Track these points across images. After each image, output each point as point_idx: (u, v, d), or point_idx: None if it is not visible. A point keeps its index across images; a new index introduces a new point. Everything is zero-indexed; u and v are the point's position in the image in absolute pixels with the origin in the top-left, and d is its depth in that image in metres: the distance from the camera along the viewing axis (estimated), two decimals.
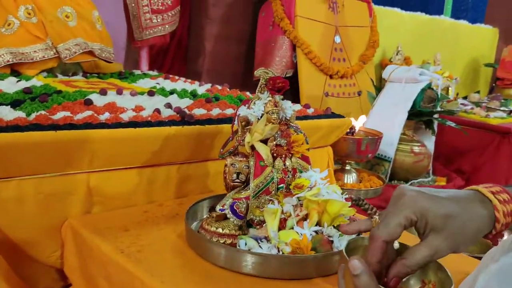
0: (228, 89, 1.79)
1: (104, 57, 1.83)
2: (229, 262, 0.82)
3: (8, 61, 1.58)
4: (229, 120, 1.23)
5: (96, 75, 1.89)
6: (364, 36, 2.88)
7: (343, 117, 1.65)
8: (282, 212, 0.88)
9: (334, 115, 1.63)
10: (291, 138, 0.96)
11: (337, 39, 2.68)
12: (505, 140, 2.58)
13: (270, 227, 0.86)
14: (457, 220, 0.56)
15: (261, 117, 0.94)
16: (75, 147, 0.98)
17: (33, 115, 1.02)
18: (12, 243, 0.94)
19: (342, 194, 0.91)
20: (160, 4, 2.22)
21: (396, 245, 0.64)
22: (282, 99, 0.97)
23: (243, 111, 0.95)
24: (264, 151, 0.92)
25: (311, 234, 0.85)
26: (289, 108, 0.98)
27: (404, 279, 0.60)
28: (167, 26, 2.27)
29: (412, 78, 2.11)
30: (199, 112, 1.28)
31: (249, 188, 0.91)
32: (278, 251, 0.83)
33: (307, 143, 0.98)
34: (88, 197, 1.04)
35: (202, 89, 1.74)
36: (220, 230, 0.89)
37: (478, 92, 3.74)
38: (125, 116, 1.12)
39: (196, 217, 1.02)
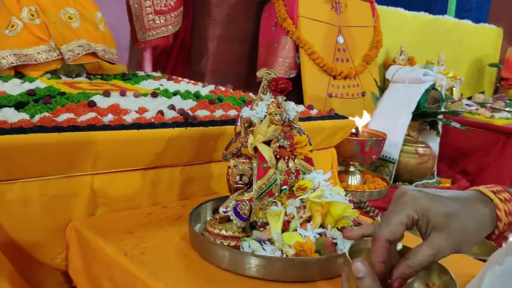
0: (232, 90, 1.79)
1: (107, 58, 1.83)
2: (232, 264, 0.82)
3: (12, 63, 1.59)
4: (232, 121, 1.23)
5: (99, 76, 1.90)
6: (367, 36, 2.88)
7: (346, 118, 1.64)
8: (286, 214, 0.88)
9: (337, 116, 1.62)
10: (294, 139, 0.96)
11: (340, 40, 2.68)
12: (510, 141, 2.57)
13: (273, 229, 0.86)
14: (459, 219, 0.56)
15: (264, 118, 0.93)
16: (79, 149, 0.98)
17: (37, 117, 1.02)
18: (16, 245, 0.94)
19: (345, 196, 0.91)
20: (163, 5, 2.22)
21: (399, 247, 0.63)
22: (285, 100, 0.97)
23: (246, 112, 0.95)
24: (267, 152, 0.92)
25: (314, 236, 0.84)
26: (292, 109, 0.98)
27: (408, 281, 0.60)
28: (170, 27, 2.27)
29: (416, 78, 2.11)
30: (202, 113, 1.28)
31: (252, 190, 0.91)
32: (282, 253, 0.82)
33: (310, 145, 0.98)
34: (92, 199, 1.04)
35: (205, 90, 1.74)
36: (223, 232, 0.88)
37: (482, 92, 3.73)
38: (129, 118, 1.12)
39: (199, 219, 1.02)
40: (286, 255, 0.81)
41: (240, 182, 0.92)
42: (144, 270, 0.80)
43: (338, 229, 0.89)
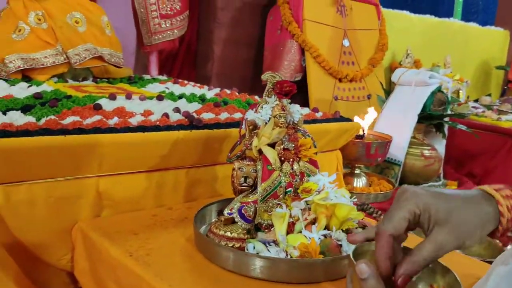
0: (237, 93, 1.79)
1: (113, 62, 1.84)
2: (237, 266, 0.82)
3: (19, 66, 1.60)
4: (237, 124, 1.23)
5: (106, 80, 1.91)
6: (373, 39, 2.88)
7: (351, 120, 1.64)
8: (290, 216, 0.88)
9: (342, 119, 1.62)
10: (299, 142, 0.96)
11: (346, 43, 2.68)
12: None
13: (278, 231, 0.86)
14: (461, 214, 0.56)
15: (268, 121, 0.94)
16: (85, 151, 0.99)
17: (43, 120, 1.03)
18: (23, 246, 0.95)
19: (350, 198, 0.91)
20: (168, 9, 2.23)
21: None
22: (290, 103, 0.97)
23: (250, 115, 0.95)
24: (271, 155, 0.92)
25: (319, 238, 0.84)
26: (297, 112, 0.98)
27: (413, 278, 0.59)
28: (176, 30, 2.28)
29: (422, 81, 2.10)
30: (207, 116, 1.28)
31: (257, 192, 0.91)
32: (287, 255, 0.82)
33: (315, 147, 0.98)
34: (97, 200, 1.05)
35: (211, 93, 1.75)
36: (228, 233, 0.89)
37: (489, 95, 3.71)
38: (134, 121, 1.13)
39: (204, 221, 1.02)
40: (291, 257, 0.82)
41: (245, 184, 0.93)
42: (149, 272, 0.80)
43: (343, 231, 0.89)
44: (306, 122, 1.43)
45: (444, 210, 0.56)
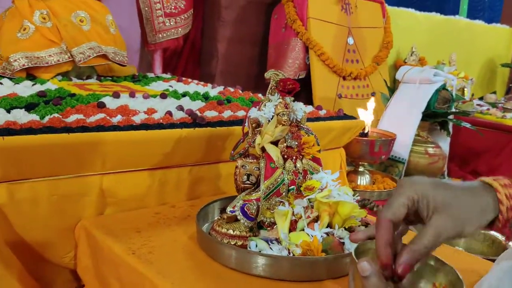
0: (241, 91, 1.79)
1: (117, 60, 1.84)
2: (239, 264, 0.82)
3: (23, 65, 1.61)
4: (240, 122, 1.23)
5: (110, 78, 1.91)
6: (378, 37, 2.87)
7: (355, 118, 1.64)
8: (293, 214, 0.88)
9: (346, 117, 1.62)
10: (302, 139, 0.96)
11: (350, 41, 2.67)
12: None
13: (280, 228, 0.86)
14: (459, 200, 0.56)
15: (271, 119, 0.93)
16: (88, 149, 0.99)
17: (46, 118, 1.04)
18: (26, 244, 0.96)
19: (353, 196, 0.91)
20: (173, 7, 2.23)
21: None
22: (293, 101, 0.97)
23: (253, 113, 0.95)
24: (274, 152, 0.92)
25: (322, 236, 0.84)
26: (300, 109, 0.98)
27: (414, 268, 0.59)
28: (180, 29, 2.28)
29: (426, 79, 2.09)
30: (210, 114, 1.29)
31: (260, 190, 0.91)
32: (289, 253, 0.82)
33: (318, 145, 0.98)
34: (101, 198, 1.05)
35: (214, 91, 1.75)
36: (231, 231, 0.89)
37: (494, 92, 3.70)
38: (137, 119, 1.13)
39: (207, 218, 1.02)
40: (293, 255, 0.81)
41: (248, 182, 0.92)
42: (151, 269, 0.80)
43: (345, 229, 0.88)
44: (309, 120, 1.43)
45: (443, 197, 0.56)
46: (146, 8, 2.18)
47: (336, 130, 1.53)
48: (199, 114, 1.25)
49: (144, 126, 1.09)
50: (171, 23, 2.25)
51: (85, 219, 1.02)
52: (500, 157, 2.58)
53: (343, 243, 0.85)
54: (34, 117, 1.03)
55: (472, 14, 4.68)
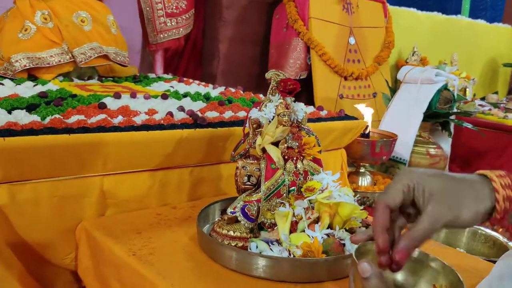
0: (242, 92, 1.79)
1: (119, 61, 1.84)
2: (240, 265, 0.82)
3: (25, 65, 1.61)
4: (241, 122, 1.23)
5: (111, 78, 1.91)
6: (379, 37, 2.86)
7: (356, 119, 1.64)
8: (294, 215, 0.88)
9: (347, 117, 1.62)
10: (303, 140, 0.96)
11: (352, 40, 2.67)
12: None
13: (281, 230, 0.86)
14: (454, 187, 0.57)
15: (272, 119, 0.93)
16: (89, 150, 0.99)
17: (47, 119, 1.04)
18: (27, 245, 0.96)
19: (354, 197, 0.91)
20: (174, 7, 2.23)
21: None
22: (294, 101, 0.97)
23: (254, 113, 0.95)
24: (275, 153, 0.92)
25: (322, 237, 0.84)
26: (301, 110, 0.98)
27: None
28: (181, 29, 2.28)
29: (428, 79, 2.09)
30: (211, 115, 1.29)
31: (260, 191, 0.91)
32: (289, 254, 0.82)
33: (319, 145, 0.98)
34: (101, 199, 1.05)
35: (215, 92, 1.75)
36: (231, 233, 0.89)
37: (496, 92, 3.69)
38: (138, 120, 1.13)
39: (208, 219, 1.02)
40: (294, 256, 0.81)
41: (248, 183, 0.92)
42: (152, 270, 0.81)
43: (346, 230, 0.88)
44: (310, 120, 1.42)
45: (438, 184, 0.57)
46: (148, 8, 2.17)
47: (337, 130, 1.53)
48: (200, 114, 1.25)
49: (145, 127, 1.09)
50: (173, 23, 2.25)
51: (86, 220, 1.02)
52: (502, 158, 2.58)
53: (344, 244, 0.85)
54: (35, 118, 1.03)
55: (474, 14, 4.68)
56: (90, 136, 0.99)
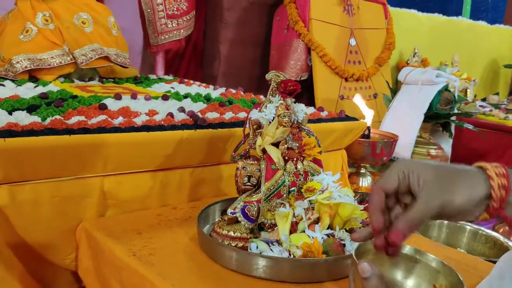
0: (242, 93, 1.79)
1: (120, 62, 1.85)
2: (240, 265, 0.82)
3: (26, 67, 1.61)
4: (242, 123, 1.23)
5: (112, 80, 1.92)
6: (380, 38, 2.87)
7: (357, 120, 1.64)
8: (294, 216, 0.88)
9: (348, 118, 1.62)
10: (303, 141, 0.96)
11: (352, 42, 2.67)
12: None
13: (281, 230, 0.86)
14: (449, 173, 0.58)
15: (272, 120, 0.93)
16: (89, 151, 0.99)
17: (48, 120, 1.04)
18: (27, 246, 0.96)
19: (354, 197, 0.91)
20: (175, 9, 2.24)
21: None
22: (294, 102, 0.97)
23: (254, 114, 0.95)
24: (275, 154, 0.92)
25: (322, 238, 0.84)
26: (301, 111, 0.98)
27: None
28: (182, 30, 2.28)
29: (429, 80, 2.09)
30: (212, 116, 1.29)
31: (261, 192, 0.91)
32: (290, 254, 0.82)
33: (319, 146, 0.98)
34: (102, 200, 1.05)
35: (216, 93, 1.75)
36: (231, 233, 0.89)
37: (497, 93, 3.69)
38: (139, 120, 1.13)
39: (208, 220, 1.02)
40: (294, 256, 0.81)
41: (248, 183, 0.92)
42: (152, 271, 0.81)
43: (346, 230, 0.88)
44: (311, 121, 1.43)
45: (433, 171, 0.58)
46: (149, 10, 2.18)
47: (337, 131, 1.53)
48: (200, 115, 1.25)
49: (146, 127, 1.09)
50: (173, 25, 2.26)
51: (86, 220, 1.02)
52: (503, 159, 2.57)
53: (344, 244, 0.85)
54: (35, 118, 1.03)
55: (475, 15, 4.68)
56: (91, 137, 0.99)
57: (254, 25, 2.70)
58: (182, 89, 1.76)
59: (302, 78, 2.50)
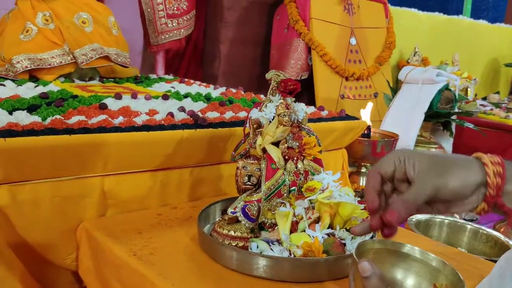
0: (243, 92, 1.79)
1: (120, 61, 1.85)
2: (240, 265, 0.82)
3: (26, 67, 1.61)
4: (242, 123, 1.23)
5: (112, 79, 1.92)
6: (380, 37, 2.86)
7: (357, 119, 1.64)
8: (294, 215, 0.88)
9: (348, 117, 1.62)
10: (303, 140, 0.96)
11: (353, 41, 2.67)
12: None
13: (281, 230, 0.86)
14: (444, 159, 0.60)
15: (272, 119, 0.93)
16: (90, 151, 0.99)
17: (48, 120, 1.04)
18: (28, 246, 0.96)
19: (355, 196, 0.91)
20: (175, 8, 2.24)
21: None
22: (294, 101, 0.97)
23: (254, 113, 0.95)
24: (275, 153, 0.92)
25: (323, 237, 0.84)
26: (301, 110, 0.98)
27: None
28: (182, 30, 2.28)
29: (429, 79, 2.09)
30: (212, 115, 1.29)
31: (261, 191, 0.91)
32: (290, 254, 0.82)
33: (319, 145, 0.98)
34: (102, 200, 1.05)
35: (216, 92, 1.75)
36: (232, 233, 0.89)
37: (497, 92, 3.69)
38: (139, 120, 1.13)
39: (208, 220, 1.02)
40: (294, 256, 0.81)
41: (249, 183, 0.92)
42: (152, 271, 0.81)
43: (346, 229, 0.88)
44: (311, 120, 1.42)
45: (428, 158, 0.60)
46: (149, 9, 2.18)
47: (338, 130, 1.53)
48: (200, 115, 1.25)
49: (146, 127, 1.09)
50: (174, 24, 2.25)
51: (87, 220, 1.02)
52: (504, 158, 2.57)
53: (344, 244, 0.85)
54: (36, 118, 1.03)
55: (476, 14, 4.67)
56: (91, 137, 0.99)
57: (254, 25, 2.70)
58: (183, 88, 1.76)
59: (302, 78, 2.50)
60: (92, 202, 1.03)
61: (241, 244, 0.88)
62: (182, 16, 2.28)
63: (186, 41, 2.44)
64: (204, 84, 1.98)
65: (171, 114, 1.20)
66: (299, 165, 0.94)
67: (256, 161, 0.93)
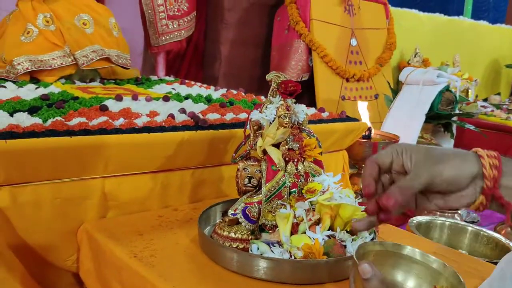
0: (243, 94, 1.79)
1: (120, 63, 1.85)
2: (241, 267, 0.82)
3: (27, 68, 1.62)
4: (242, 124, 1.23)
5: (113, 81, 1.92)
6: (381, 38, 2.86)
7: (358, 120, 1.64)
8: (295, 217, 0.87)
9: (349, 119, 1.62)
10: (304, 142, 0.95)
11: (353, 42, 2.67)
12: None
13: (282, 231, 0.86)
14: (440, 151, 0.61)
15: (273, 121, 0.93)
16: (90, 152, 0.99)
17: (49, 121, 1.04)
18: (29, 247, 0.96)
19: (355, 198, 0.91)
20: (176, 10, 2.24)
21: None
22: (295, 103, 0.97)
23: (255, 115, 0.95)
24: (276, 155, 0.92)
25: (323, 239, 0.84)
26: (302, 111, 0.98)
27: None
28: (183, 31, 2.29)
29: (430, 80, 2.09)
30: (213, 116, 1.29)
31: (261, 193, 0.91)
32: (290, 255, 0.82)
33: (320, 147, 0.98)
34: (103, 201, 1.05)
35: (217, 94, 1.75)
36: (232, 234, 0.89)
37: (498, 94, 3.69)
38: (140, 122, 1.13)
39: (209, 221, 1.02)
40: (295, 258, 0.81)
41: (249, 184, 0.92)
42: (153, 272, 0.81)
43: (347, 231, 0.88)
44: (312, 122, 1.42)
45: (424, 150, 0.61)
46: (149, 11, 2.18)
47: (338, 132, 1.53)
48: (201, 116, 1.25)
49: (147, 129, 1.09)
50: (174, 26, 2.26)
51: (87, 222, 1.02)
52: None
53: (345, 246, 0.85)
54: (36, 120, 1.03)
55: (477, 15, 4.67)
56: (92, 139, 0.99)
57: (254, 26, 2.70)
58: (183, 90, 1.76)
59: (303, 79, 2.50)
60: (93, 204, 1.03)
61: (241, 246, 0.88)
62: (182, 17, 2.28)
63: (187, 42, 2.44)
64: (205, 85, 1.98)
65: (171, 116, 1.20)
66: (300, 166, 0.94)
67: (256, 163, 0.93)
